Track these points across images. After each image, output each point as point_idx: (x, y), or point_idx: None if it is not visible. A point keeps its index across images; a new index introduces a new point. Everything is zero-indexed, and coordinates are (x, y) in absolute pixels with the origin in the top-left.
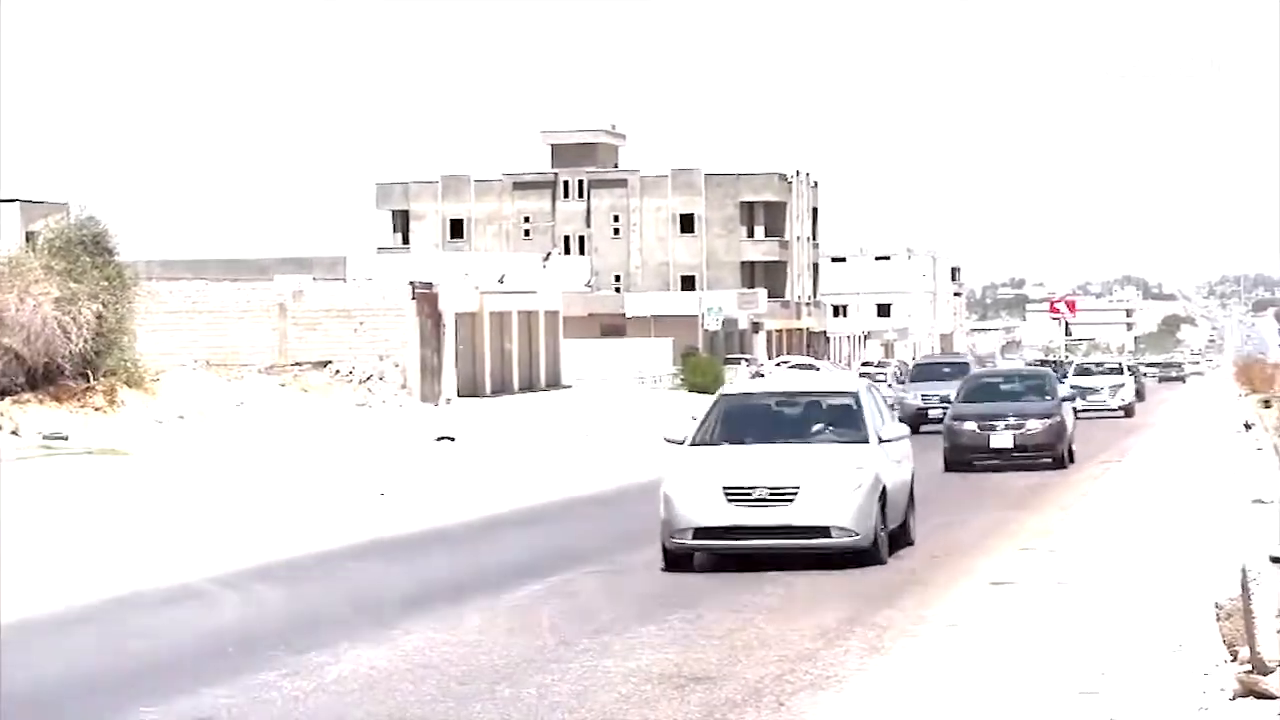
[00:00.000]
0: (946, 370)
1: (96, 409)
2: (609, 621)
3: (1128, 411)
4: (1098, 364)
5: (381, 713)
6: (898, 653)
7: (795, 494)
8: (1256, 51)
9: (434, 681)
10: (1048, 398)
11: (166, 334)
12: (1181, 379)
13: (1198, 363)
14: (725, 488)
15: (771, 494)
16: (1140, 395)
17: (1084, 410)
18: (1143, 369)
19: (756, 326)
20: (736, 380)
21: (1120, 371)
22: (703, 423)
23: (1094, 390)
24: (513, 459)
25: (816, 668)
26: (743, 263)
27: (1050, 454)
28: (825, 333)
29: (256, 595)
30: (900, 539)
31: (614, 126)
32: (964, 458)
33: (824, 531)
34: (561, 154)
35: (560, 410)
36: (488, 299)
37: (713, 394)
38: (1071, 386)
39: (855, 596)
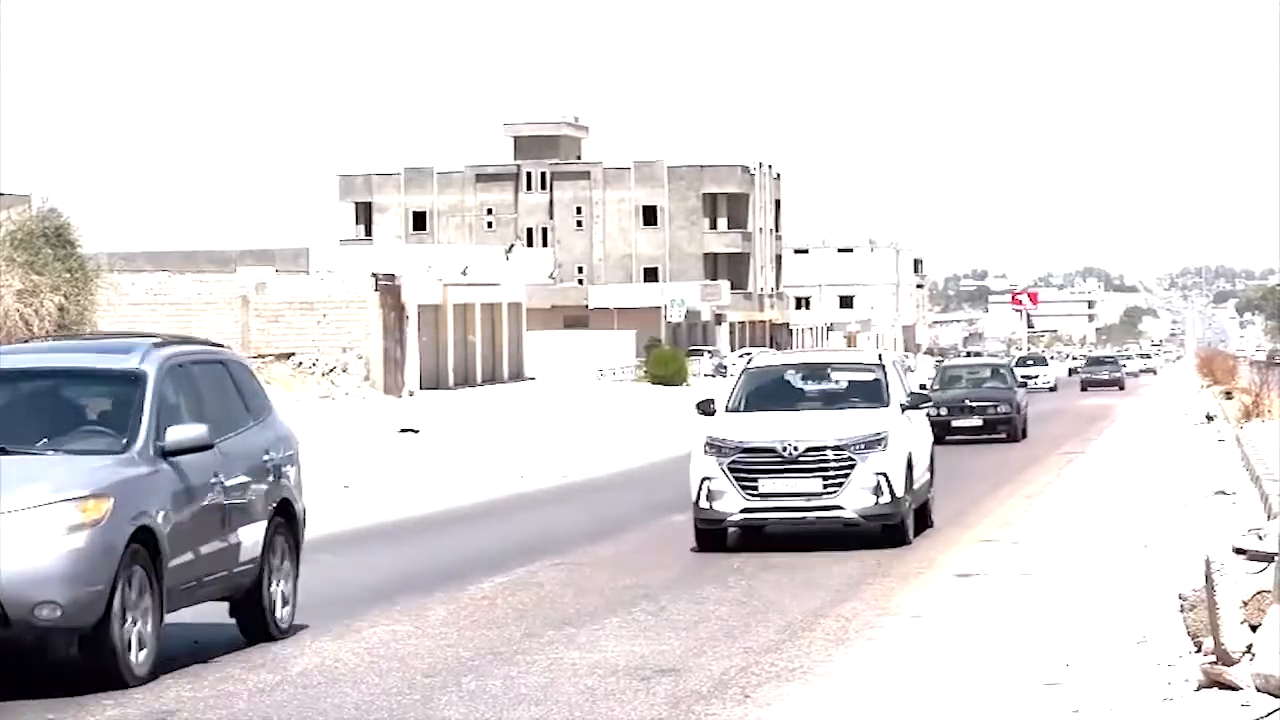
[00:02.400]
0: None
1: None
2: (573, 614)
3: None
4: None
5: (347, 705)
6: (862, 645)
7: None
8: (1217, 49)
9: (399, 674)
10: None
11: (129, 326)
12: (1117, 383)
13: (1151, 356)
14: None
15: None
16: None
17: None
18: (1034, 372)
19: (719, 318)
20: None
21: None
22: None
23: None
24: (476, 451)
25: (781, 659)
26: (705, 255)
27: None
28: (788, 325)
29: None
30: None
31: (576, 119)
32: None
33: None
34: (524, 146)
35: (523, 402)
36: (451, 291)
37: (676, 385)
38: None
39: (820, 589)
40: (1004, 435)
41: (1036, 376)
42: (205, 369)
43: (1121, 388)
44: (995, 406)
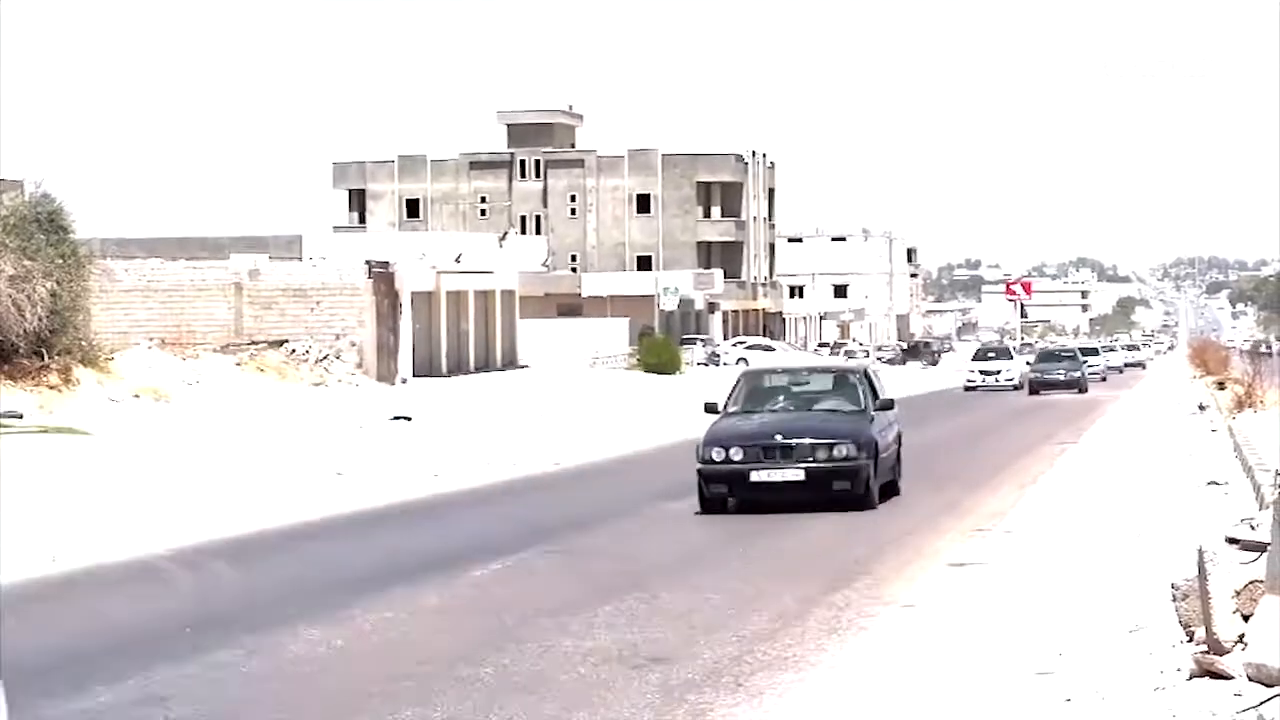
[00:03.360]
0: None
1: (51, 388)
2: (566, 602)
3: None
4: None
5: (340, 692)
6: (855, 634)
7: None
8: (1215, 46)
9: (392, 662)
10: None
11: (121, 312)
12: (1075, 385)
13: (1139, 348)
14: None
15: None
16: None
17: None
18: (995, 367)
19: (713, 307)
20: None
21: None
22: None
23: None
24: (468, 438)
25: (774, 648)
26: (699, 243)
27: None
28: (781, 313)
29: (214, 574)
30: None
31: (571, 107)
32: None
33: None
34: (518, 134)
35: (516, 390)
36: (444, 279)
37: (669, 374)
38: None
39: (813, 577)
40: (841, 494)
41: (998, 373)
42: None
43: (1083, 390)
44: (830, 448)
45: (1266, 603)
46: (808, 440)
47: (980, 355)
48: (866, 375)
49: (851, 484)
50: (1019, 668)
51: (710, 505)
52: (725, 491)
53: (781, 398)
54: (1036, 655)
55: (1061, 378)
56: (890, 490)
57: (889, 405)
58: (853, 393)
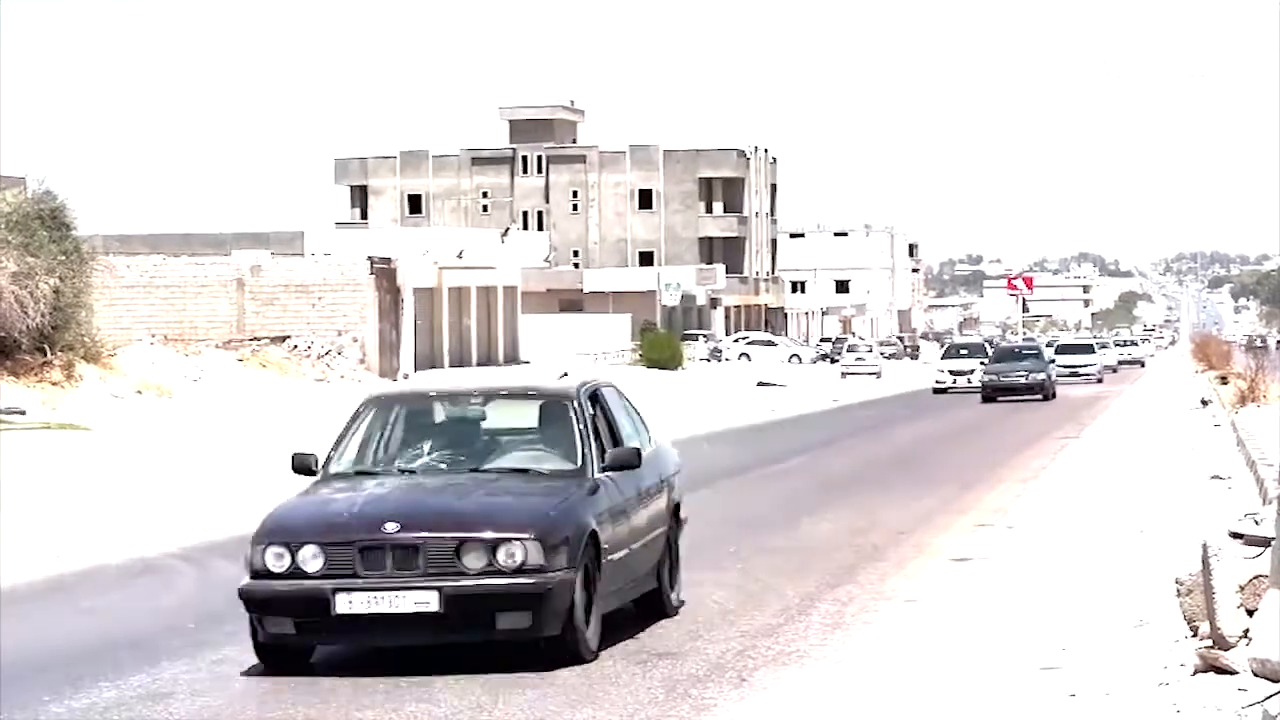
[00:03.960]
0: None
1: (54, 384)
2: None
3: None
4: None
5: (342, 688)
6: (859, 628)
7: None
8: (1216, 45)
9: (395, 657)
10: None
11: (124, 308)
12: (1037, 390)
13: (1138, 343)
14: None
15: None
16: None
17: None
18: (966, 365)
19: (714, 302)
20: None
21: None
22: None
23: None
24: None
25: (778, 643)
26: (701, 239)
27: None
28: (783, 309)
29: (217, 570)
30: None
31: (572, 102)
32: None
33: None
34: (520, 130)
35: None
36: (446, 274)
37: (671, 369)
38: None
39: (815, 573)
40: (514, 636)
41: (970, 372)
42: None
43: (1048, 396)
44: (491, 548)
45: (1270, 597)
46: (449, 534)
47: (951, 353)
48: (596, 402)
49: (535, 618)
50: (1023, 663)
51: (269, 656)
52: (292, 632)
53: (429, 446)
54: (1040, 650)
55: (1022, 380)
56: (654, 607)
57: (631, 462)
58: (564, 436)
